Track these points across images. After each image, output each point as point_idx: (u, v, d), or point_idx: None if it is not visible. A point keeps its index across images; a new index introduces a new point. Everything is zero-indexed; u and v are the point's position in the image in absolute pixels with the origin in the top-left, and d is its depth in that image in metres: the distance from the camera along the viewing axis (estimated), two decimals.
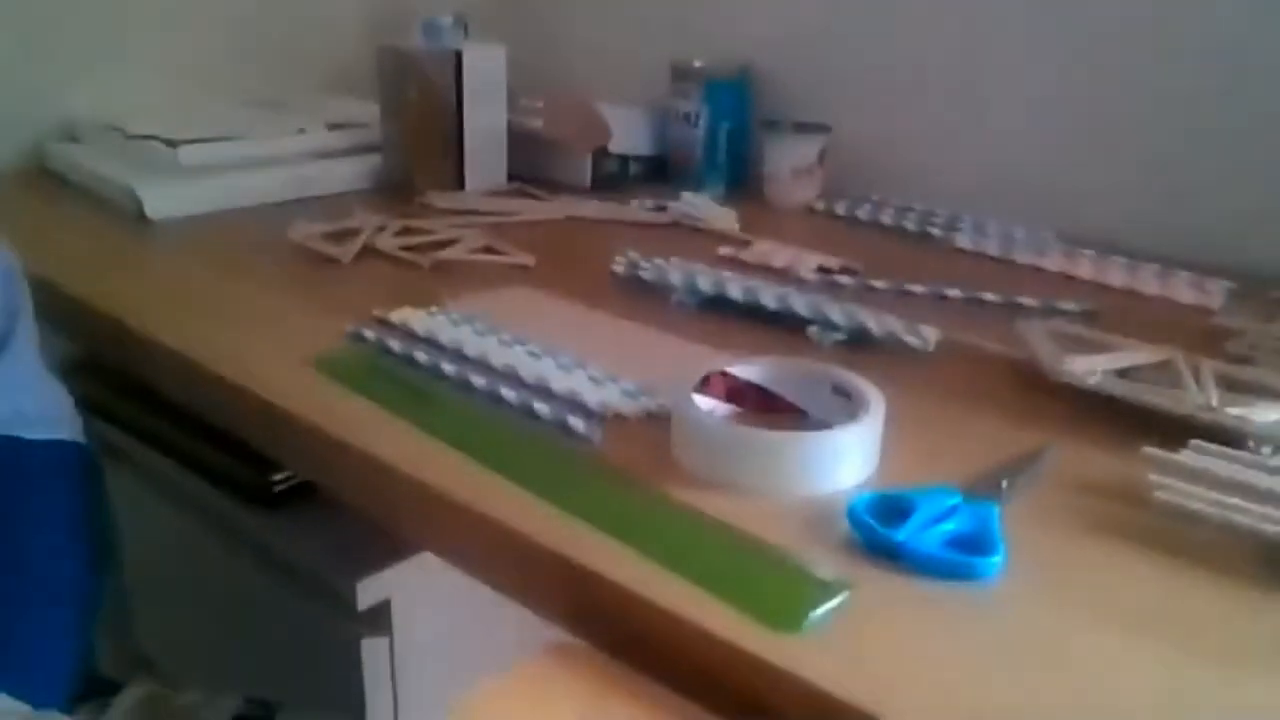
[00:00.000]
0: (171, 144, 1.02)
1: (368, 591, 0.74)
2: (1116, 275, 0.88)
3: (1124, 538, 0.49)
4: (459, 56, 1.09)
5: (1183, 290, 0.85)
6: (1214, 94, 0.91)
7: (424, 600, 0.76)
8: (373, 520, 0.61)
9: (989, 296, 0.82)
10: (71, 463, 0.63)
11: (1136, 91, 0.95)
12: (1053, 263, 0.91)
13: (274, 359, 0.67)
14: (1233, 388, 0.62)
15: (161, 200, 0.99)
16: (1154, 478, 0.51)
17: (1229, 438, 0.56)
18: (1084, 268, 0.90)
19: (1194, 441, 0.55)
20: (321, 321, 0.74)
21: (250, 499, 0.81)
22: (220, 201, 1.03)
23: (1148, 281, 0.87)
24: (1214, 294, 0.84)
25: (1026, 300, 0.81)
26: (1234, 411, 0.58)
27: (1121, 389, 0.62)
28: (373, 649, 0.74)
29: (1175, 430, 0.57)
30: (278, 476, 0.80)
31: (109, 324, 0.75)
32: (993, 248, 0.95)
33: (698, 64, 1.16)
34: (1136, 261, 0.91)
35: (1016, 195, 1.03)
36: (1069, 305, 0.80)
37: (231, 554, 0.82)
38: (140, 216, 0.98)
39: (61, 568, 0.58)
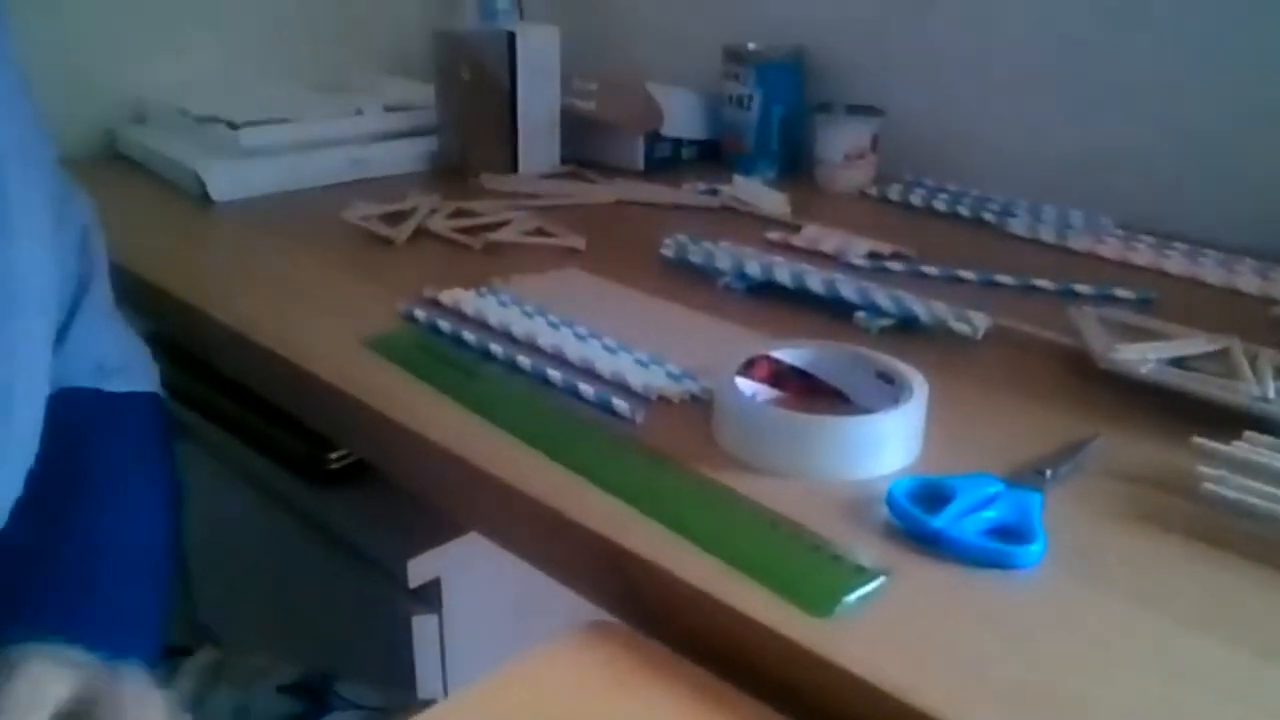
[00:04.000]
0: (234, 126, 1.05)
1: (419, 569, 0.75)
2: (1176, 263, 0.86)
3: (1169, 529, 0.49)
4: (512, 37, 1.09)
5: (1246, 278, 0.83)
6: None
7: (473, 578, 0.77)
8: (423, 498, 0.62)
9: (1042, 284, 0.81)
10: (150, 413, 0.63)
11: (1202, 75, 0.93)
12: (1110, 250, 0.89)
13: (327, 337, 0.69)
14: None
15: (224, 182, 1.01)
16: (1202, 469, 0.51)
17: None
18: (1143, 255, 0.88)
19: (1247, 433, 0.54)
20: (375, 301, 0.75)
21: (306, 476, 0.83)
22: (280, 182, 1.05)
23: (1209, 269, 0.85)
24: (1279, 283, 0.82)
25: (1081, 287, 0.79)
26: None
27: (1172, 378, 0.61)
28: (423, 626, 0.76)
29: (1228, 421, 0.56)
30: (334, 454, 0.82)
31: (172, 302, 0.78)
32: (1048, 234, 0.93)
33: (751, 47, 1.15)
34: (1198, 249, 0.89)
35: (1074, 181, 1.01)
36: (1125, 293, 0.79)
37: (288, 529, 0.84)
38: (204, 197, 1.00)
39: (145, 520, 0.58)
